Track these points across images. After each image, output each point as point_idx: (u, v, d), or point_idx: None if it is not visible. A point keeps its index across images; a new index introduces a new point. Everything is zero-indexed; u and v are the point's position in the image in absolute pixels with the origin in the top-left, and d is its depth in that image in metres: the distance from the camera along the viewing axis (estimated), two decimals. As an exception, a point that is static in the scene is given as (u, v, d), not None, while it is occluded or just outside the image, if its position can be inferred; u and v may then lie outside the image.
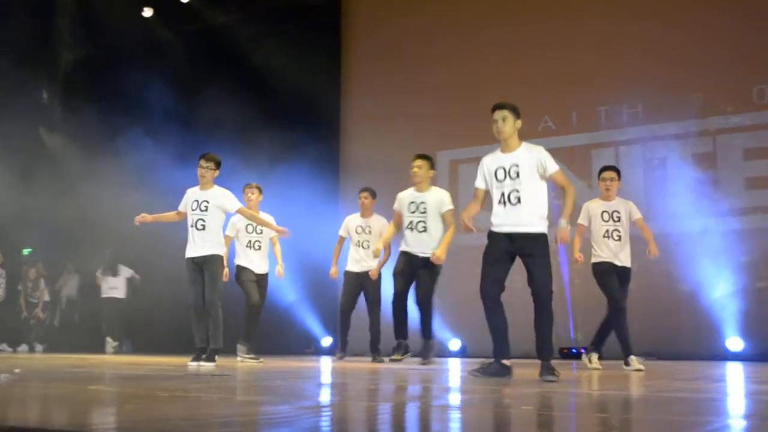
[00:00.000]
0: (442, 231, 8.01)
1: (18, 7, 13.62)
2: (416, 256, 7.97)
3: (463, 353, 12.06)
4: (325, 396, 4.17)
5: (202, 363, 7.50)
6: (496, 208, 5.63)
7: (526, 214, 5.52)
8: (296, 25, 13.72)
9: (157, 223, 8.14)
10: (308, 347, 13.35)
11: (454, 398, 4.13)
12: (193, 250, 7.76)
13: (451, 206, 8.08)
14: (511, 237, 5.52)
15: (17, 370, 6.29)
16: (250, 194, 9.02)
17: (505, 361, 5.55)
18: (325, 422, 2.92)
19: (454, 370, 7.39)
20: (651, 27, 11.80)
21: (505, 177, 5.64)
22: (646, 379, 5.85)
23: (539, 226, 5.52)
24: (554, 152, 12.27)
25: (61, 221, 13.96)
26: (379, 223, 9.41)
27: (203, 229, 7.70)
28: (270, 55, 13.42)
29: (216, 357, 7.67)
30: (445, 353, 11.96)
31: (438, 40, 13.50)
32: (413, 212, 8.08)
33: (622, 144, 12.05)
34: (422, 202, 8.09)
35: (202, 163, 7.92)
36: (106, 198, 12.92)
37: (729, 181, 11.23)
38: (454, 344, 12.16)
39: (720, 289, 10.88)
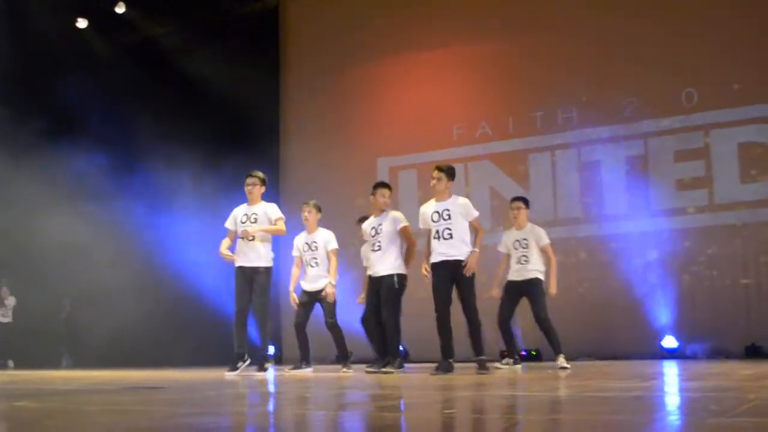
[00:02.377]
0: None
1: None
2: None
3: (404, 358, 12.06)
4: (260, 405, 4.16)
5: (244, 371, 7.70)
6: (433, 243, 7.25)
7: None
8: (234, 36, 13.71)
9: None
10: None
11: (386, 404, 4.16)
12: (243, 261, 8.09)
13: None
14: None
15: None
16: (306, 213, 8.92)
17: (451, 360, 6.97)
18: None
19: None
20: (583, 35, 12.03)
21: (439, 219, 7.20)
22: (577, 379, 5.94)
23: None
24: (492, 157, 12.55)
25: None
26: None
27: None
28: (207, 67, 13.36)
29: (266, 364, 7.79)
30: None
31: (376, 50, 13.58)
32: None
33: (557, 148, 12.23)
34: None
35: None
36: (36, 213, 12.72)
37: (661, 183, 11.48)
38: (397, 350, 12.17)
39: (654, 288, 11.10)
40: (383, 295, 7.90)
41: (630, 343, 11.04)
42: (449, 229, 7.05)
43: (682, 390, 4.87)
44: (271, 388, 5.61)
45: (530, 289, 7.97)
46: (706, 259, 11.17)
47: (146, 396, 4.85)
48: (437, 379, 6.33)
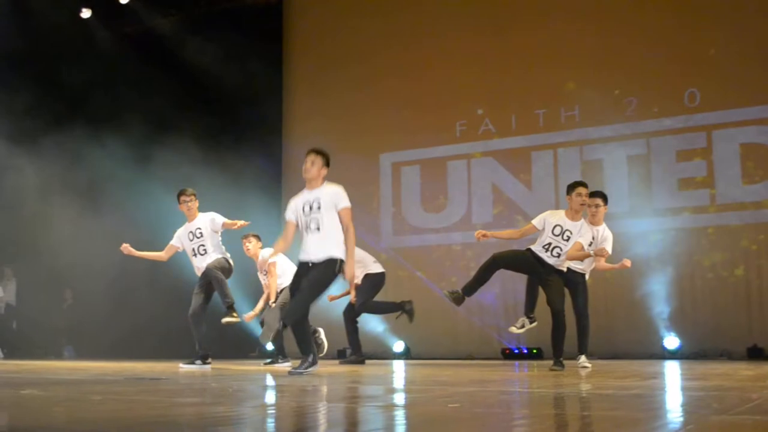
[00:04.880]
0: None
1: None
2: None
3: (406, 355, 12.14)
4: (263, 397, 4.19)
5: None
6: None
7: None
8: (237, 28, 13.66)
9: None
10: (252, 351, 13.30)
11: (395, 398, 4.18)
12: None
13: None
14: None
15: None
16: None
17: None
18: (266, 423, 2.95)
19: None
20: (586, 32, 12.03)
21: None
22: (577, 378, 5.97)
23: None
24: (495, 154, 12.56)
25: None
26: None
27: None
28: (211, 58, 13.34)
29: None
30: (390, 355, 12.06)
31: (380, 44, 13.57)
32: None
33: (560, 146, 12.25)
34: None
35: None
36: (45, 201, 12.76)
37: (663, 182, 11.49)
38: (398, 346, 12.23)
39: (656, 288, 11.12)
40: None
41: (631, 343, 11.05)
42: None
43: (683, 389, 4.90)
44: (277, 381, 5.64)
45: (577, 281, 7.72)
46: (707, 259, 11.17)
47: (150, 386, 4.88)
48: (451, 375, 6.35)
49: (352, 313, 9.35)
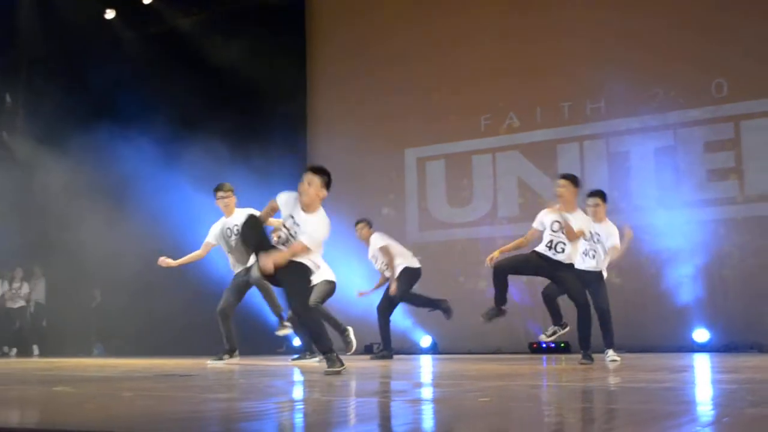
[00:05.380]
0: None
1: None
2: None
3: (434, 350, 12.13)
4: (292, 392, 4.20)
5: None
6: None
7: None
8: (260, 25, 13.69)
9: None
10: (279, 347, 13.33)
11: (425, 393, 4.18)
12: None
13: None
14: None
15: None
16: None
17: None
18: (295, 417, 2.95)
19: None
20: (612, 22, 11.93)
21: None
22: (608, 371, 5.94)
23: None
24: (520, 147, 12.52)
25: (28, 224, 13.88)
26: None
27: None
28: (235, 56, 13.37)
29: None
30: (417, 350, 12.06)
31: (404, 39, 13.53)
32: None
33: (585, 138, 12.17)
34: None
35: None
36: (73, 201, 12.87)
37: (690, 174, 11.38)
38: (426, 341, 12.23)
39: (685, 281, 11.03)
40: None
41: (660, 336, 10.96)
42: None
43: (715, 382, 4.86)
44: (306, 377, 5.65)
45: (591, 280, 7.76)
46: (736, 250, 11.06)
47: (180, 382, 4.91)
48: (470, 370, 6.34)
49: (386, 308, 9.42)
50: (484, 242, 12.53)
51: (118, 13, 14.84)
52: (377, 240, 9.36)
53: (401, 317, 11.79)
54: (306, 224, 5.74)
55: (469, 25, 13.07)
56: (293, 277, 5.63)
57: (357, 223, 9.59)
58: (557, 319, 7.97)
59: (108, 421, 2.76)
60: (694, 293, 10.95)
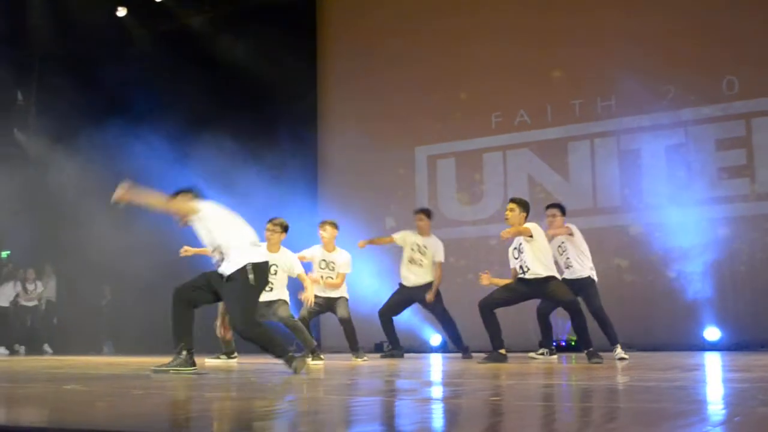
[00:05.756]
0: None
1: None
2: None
3: (443, 348, 12.12)
4: (301, 391, 4.20)
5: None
6: None
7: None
8: (271, 23, 13.68)
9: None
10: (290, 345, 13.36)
11: (436, 392, 4.18)
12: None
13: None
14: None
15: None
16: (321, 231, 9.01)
17: None
18: (306, 416, 2.95)
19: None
20: (623, 20, 11.89)
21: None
22: (617, 370, 5.92)
23: None
24: (531, 145, 12.49)
25: (39, 222, 13.94)
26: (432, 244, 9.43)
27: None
28: (245, 54, 13.40)
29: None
30: (427, 348, 12.06)
31: (415, 36, 13.52)
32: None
33: (596, 136, 12.14)
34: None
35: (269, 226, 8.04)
36: (84, 198, 12.91)
37: (702, 172, 11.33)
38: (435, 340, 12.22)
39: (695, 279, 10.99)
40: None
41: (670, 335, 10.92)
42: None
43: (726, 380, 4.84)
44: (312, 376, 5.65)
45: (580, 288, 7.86)
46: (748, 248, 11.01)
47: (190, 381, 4.92)
48: (483, 368, 6.34)
49: (388, 312, 9.40)
50: (495, 240, 12.51)
51: (129, 11, 14.86)
52: (439, 248, 9.37)
53: (410, 315, 11.78)
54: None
55: (480, 23, 13.05)
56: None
57: (418, 212, 9.58)
58: (548, 340, 8.25)
59: (119, 420, 2.77)
60: (705, 291, 10.91)
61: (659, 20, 11.65)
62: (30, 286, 14.42)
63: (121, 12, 14.81)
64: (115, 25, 14.83)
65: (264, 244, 7.70)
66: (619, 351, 7.58)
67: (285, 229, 8.05)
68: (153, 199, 5.75)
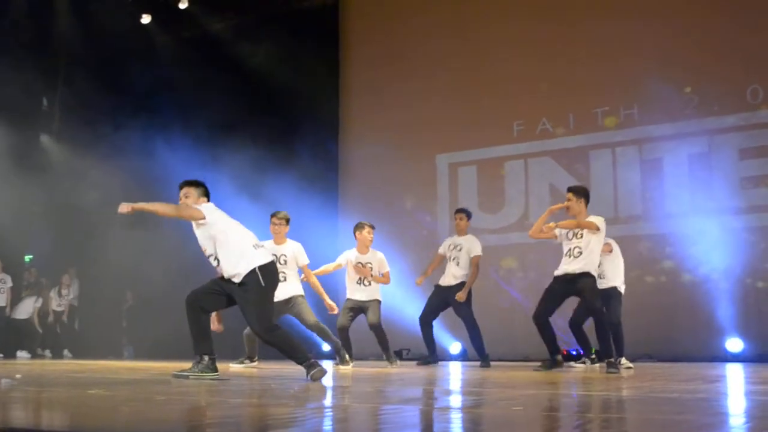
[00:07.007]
0: None
1: (15, 14, 13.69)
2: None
3: (463, 356, 12.10)
4: (322, 399, 4.21)
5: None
6: None
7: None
8: (294, 31, 13.76)
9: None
10: (309, 351, 13.37)
11: (456, 401, 4.18)
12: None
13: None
14: None
15: (18, 376, 6.34)
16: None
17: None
18: (327, 424, 2.96)
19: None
20: (645, 28, 11.84)
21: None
22: (641, 380, 5.89)
23: None
24: (552, 153, 12.45)
25: (62, 227, 14.05)
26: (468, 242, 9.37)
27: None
28: (268, 61, 13.47)
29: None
30: (447, 356, 12.03)
31: (437, 44, 13.53)
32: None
33: (618, 145, 12.09)
34: None
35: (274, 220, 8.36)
36: (106, 204, 13.00)
37: (725, 181, 11.24)
38: (455, 348, 12.20)
39: (718, 290, 10.90)
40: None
41: (692, 345, 10.83)
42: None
43: (749, 393, 4.81)
44: (337, 383, 5.66)
45: (605, 298, 7.88)
46: (771, 259, 10.93)
47: (211, 386, 4.94)
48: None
49: (428, 315, 9.38)
50: (516, 248, 12.50)
51: (153, 18, 14.97)
52: (475, 243, 9.28)
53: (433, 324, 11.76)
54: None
55: (502, 32, 13.04)
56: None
57: (458, 212, 9.56)
58: (587, 350, 8.27)
59: (143, 425, 2.79)
60: (727, 302, 10.82)
61: (683, 29, 11.60)
62: (64, 291, 14.56)
63: (146, 19, 14.92)
64: (140, 32, 14.94)
65: (265, 243, 7.78)
66: (624, 362, 7.74)
67: (288, 221, 8.44)
68: (158, 207, 5.91)
